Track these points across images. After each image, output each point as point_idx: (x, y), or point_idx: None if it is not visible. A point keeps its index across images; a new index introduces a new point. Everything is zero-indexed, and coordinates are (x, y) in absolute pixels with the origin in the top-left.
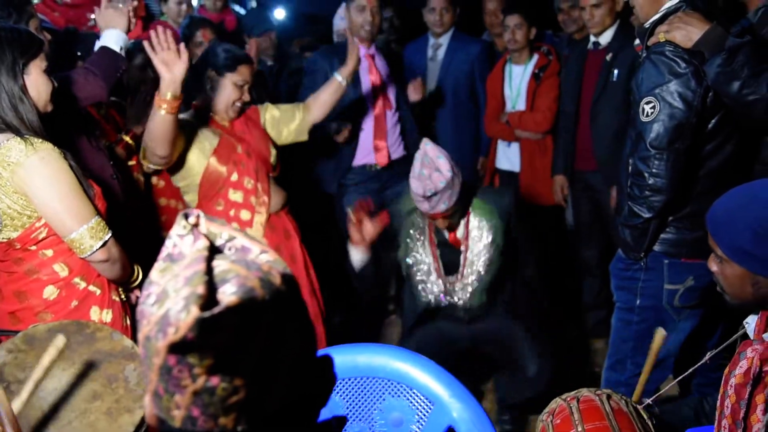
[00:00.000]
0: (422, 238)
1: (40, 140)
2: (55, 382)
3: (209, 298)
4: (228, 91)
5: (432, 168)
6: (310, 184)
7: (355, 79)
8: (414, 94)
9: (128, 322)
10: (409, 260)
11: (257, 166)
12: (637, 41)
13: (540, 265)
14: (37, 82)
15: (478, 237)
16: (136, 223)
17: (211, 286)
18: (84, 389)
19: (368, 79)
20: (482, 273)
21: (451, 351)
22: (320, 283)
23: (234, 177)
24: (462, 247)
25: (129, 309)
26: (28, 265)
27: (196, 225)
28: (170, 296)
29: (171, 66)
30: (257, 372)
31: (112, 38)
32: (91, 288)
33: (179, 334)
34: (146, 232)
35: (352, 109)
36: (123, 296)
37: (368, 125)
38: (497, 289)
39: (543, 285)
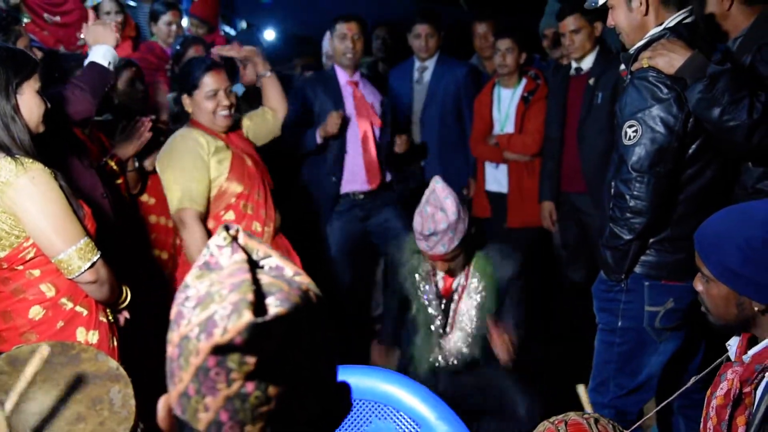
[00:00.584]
0: (426, 286)
1: (31, 160)
2: (38, 404)
3: (258, 306)
4: (204, 104)
5: (437, 207)
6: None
7: (340, 107)
8: (398, 147)
9: (115, 343)
10: (413, 307)
11: (263, 178)
12: (623, 66)
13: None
14: (30, 103)
15: (472, 293)
16: (125, 242)
17: (260, 295)
18: (68, 411)
19: (352, 106)
20: (470, 330)
21: None
22: None
23: (247, 190)
24: (455, 297)
25: (116, 330)
26: (14, 284)
27: (235, 238)
28: (215, 300)
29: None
30: (291, 384)
31: (100, 53)
32: (78, 309)
33: (227, 336)
34: (135, 251)
35: (337, 136)
36: (111, 317)
37: (354, 152)
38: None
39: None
